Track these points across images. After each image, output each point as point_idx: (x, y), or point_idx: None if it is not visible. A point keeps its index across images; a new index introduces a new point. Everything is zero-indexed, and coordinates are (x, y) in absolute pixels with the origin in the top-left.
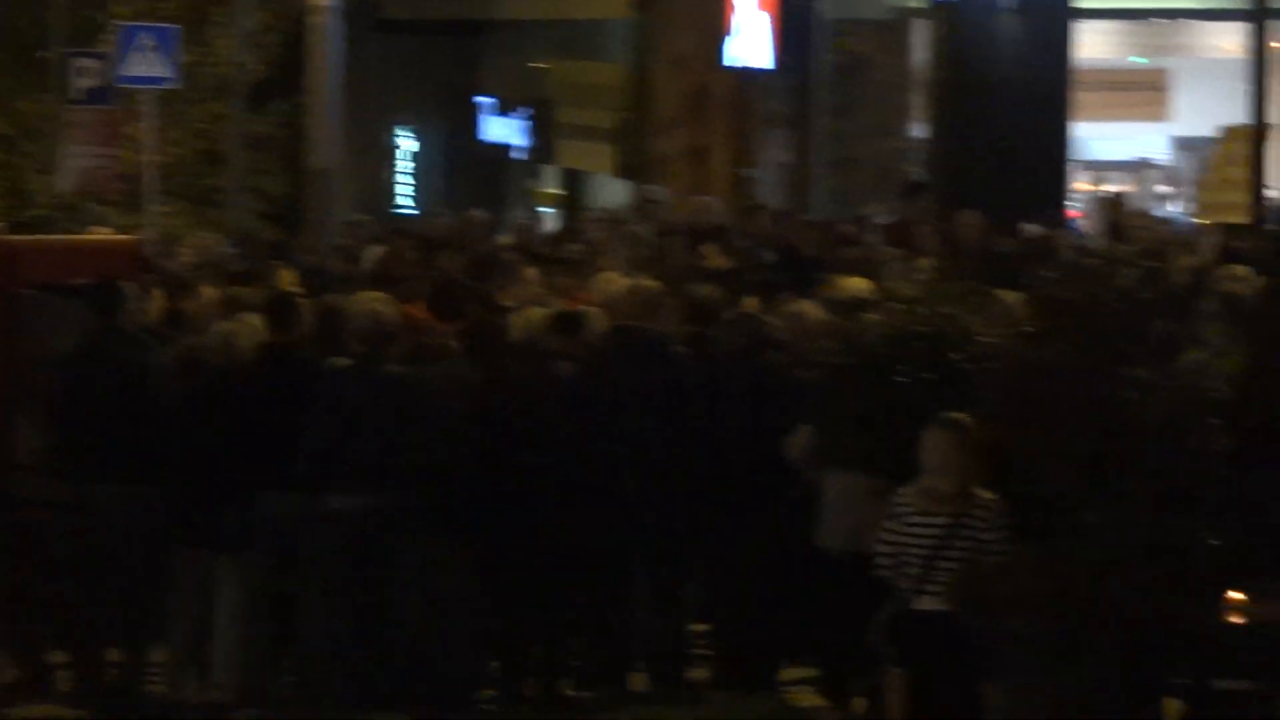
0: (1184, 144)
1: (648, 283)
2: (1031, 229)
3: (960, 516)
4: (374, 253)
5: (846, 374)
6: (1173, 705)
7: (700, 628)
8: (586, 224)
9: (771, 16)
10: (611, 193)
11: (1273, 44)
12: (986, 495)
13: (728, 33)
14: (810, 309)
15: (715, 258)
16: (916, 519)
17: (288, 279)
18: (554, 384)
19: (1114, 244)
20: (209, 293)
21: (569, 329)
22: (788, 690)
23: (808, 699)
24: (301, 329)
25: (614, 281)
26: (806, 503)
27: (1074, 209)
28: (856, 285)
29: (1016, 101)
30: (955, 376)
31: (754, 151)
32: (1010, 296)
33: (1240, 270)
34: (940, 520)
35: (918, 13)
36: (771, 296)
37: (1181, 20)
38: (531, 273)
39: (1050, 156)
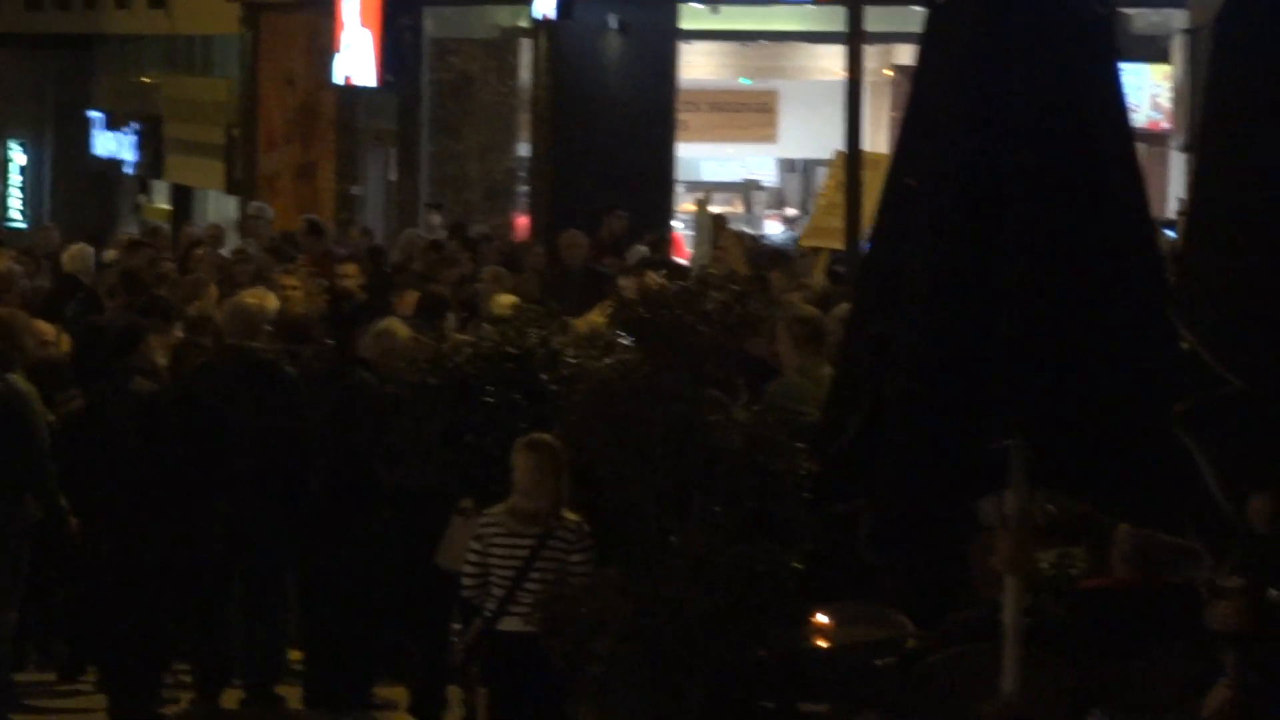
0: (791, 166)
1: (250, 299)
2: (637, 249)
3: (546, 538)
4: None
5: (434, 393)
6: None
7: (295, 648)
8: (186, 240)
9: (373, 34)
10: (220, 208)
11: (885, 70)
12: (572, 517)
13: (337, 50)
14: (398, 327)
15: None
16: (502, 539)
17: None
18: (140, 399)
19: (714, 265)
20: None
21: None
22: (379, 710)
23: (398, 718)
24: None
25: (214, 299)
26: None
27: (680, 230)
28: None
29: (623, 121)
30: (543, 397)
31: (361, 169)
32: (602, 317)
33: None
34: (526, 541)
35: (524, 32)
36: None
37: (790, 42)
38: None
39: (656, 176)
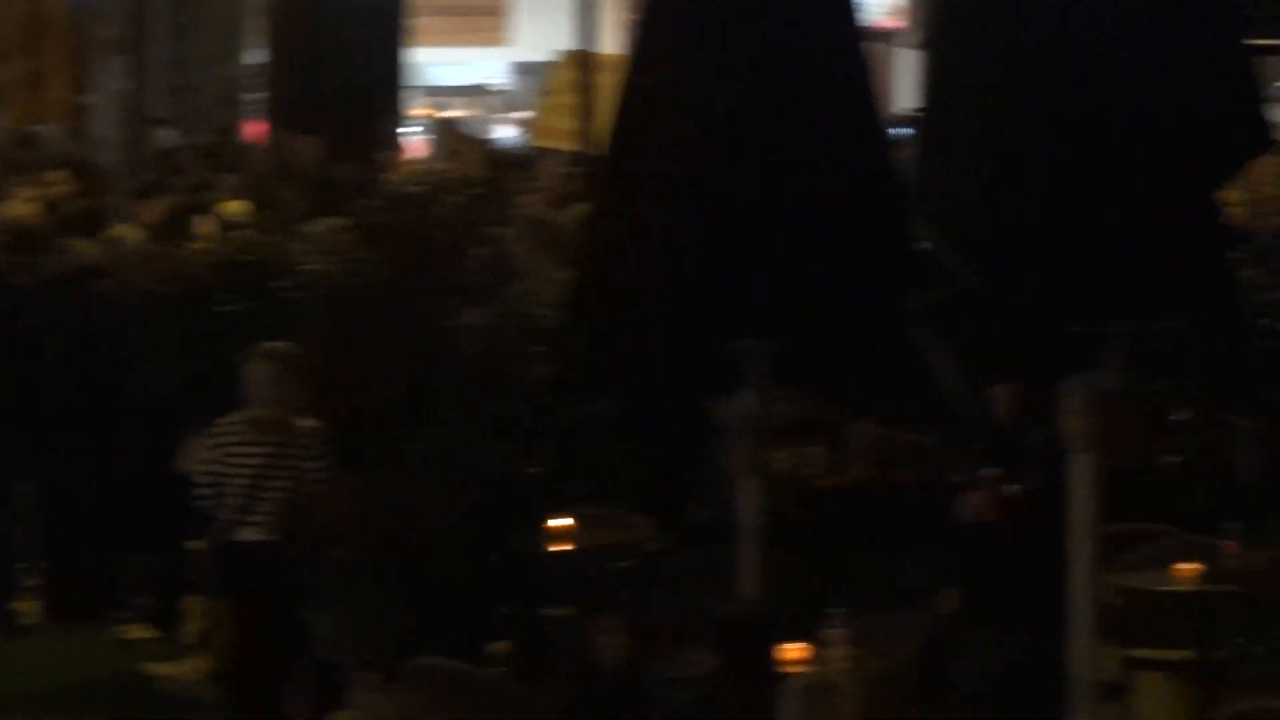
0: (524, 69)
1: None
2: (371, 157)
3: (282, 445)
4: None
5: (169, 301)
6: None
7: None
8: None
9: None
10: None
11: None
12: (309, 424)
13: None
14: (130, 234)
15: (63, 184)
16: (238, 448)
17: None
18: None
19: (447, 170)
20: None
21: None
22: (119, 624)
23: (137, 631)
24: None
25: None
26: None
27: (413, 135)
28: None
29: (352, 26)
30: (278, 304)
31: (91, 77)
32: (337, 223)
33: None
34: (262, 449)
35: None
36: None
37: None
38: None
39: (388, 82)
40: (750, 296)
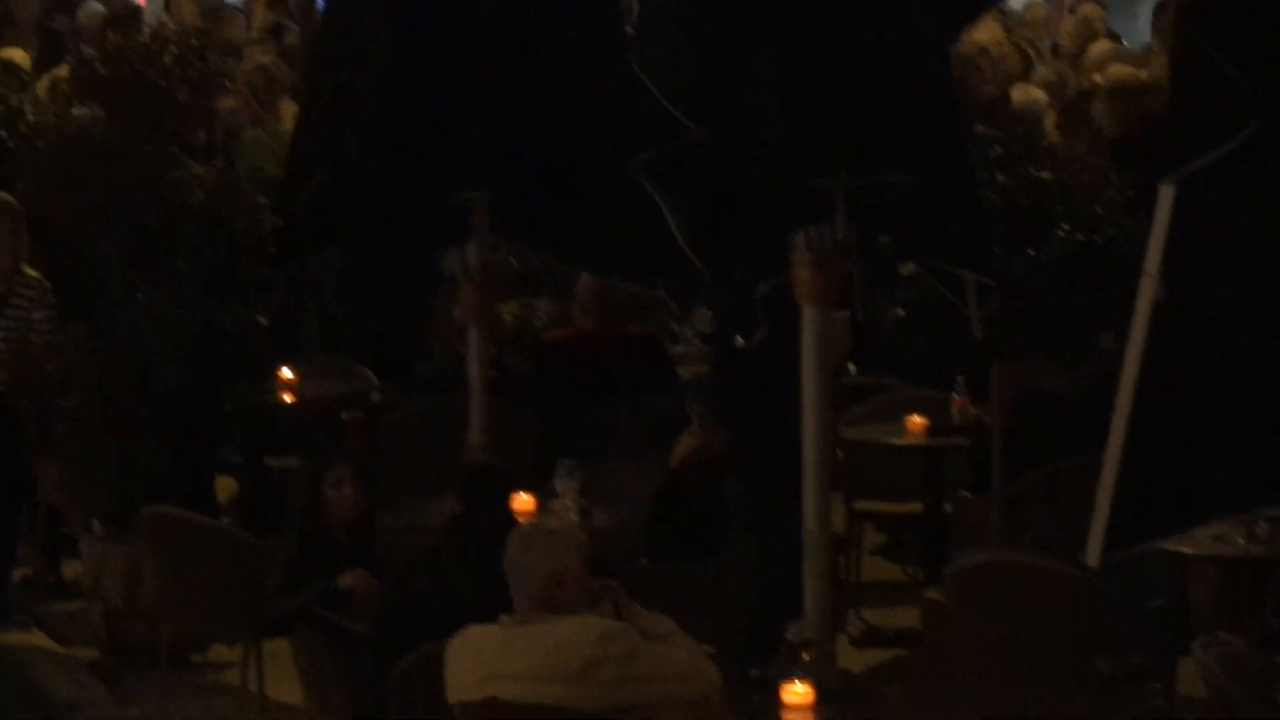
0: None
1: None
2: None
3: (7, 296)
4: None
5: None
6: (225, 482)
7: None
8: None
9: None
10: None
11: None
12: (33, 274)
13: None
14: None
15: None
16: None
17: None
18: None
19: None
20: None
21: None
22: None
23: None
24: None
25: None
26: None
27: None
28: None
29: None
30: (2, 156)
31: None
32: (59, 74)
33: None
34: None
35: None
36: None
37: None
38: None
39: None
40: (475, 149)
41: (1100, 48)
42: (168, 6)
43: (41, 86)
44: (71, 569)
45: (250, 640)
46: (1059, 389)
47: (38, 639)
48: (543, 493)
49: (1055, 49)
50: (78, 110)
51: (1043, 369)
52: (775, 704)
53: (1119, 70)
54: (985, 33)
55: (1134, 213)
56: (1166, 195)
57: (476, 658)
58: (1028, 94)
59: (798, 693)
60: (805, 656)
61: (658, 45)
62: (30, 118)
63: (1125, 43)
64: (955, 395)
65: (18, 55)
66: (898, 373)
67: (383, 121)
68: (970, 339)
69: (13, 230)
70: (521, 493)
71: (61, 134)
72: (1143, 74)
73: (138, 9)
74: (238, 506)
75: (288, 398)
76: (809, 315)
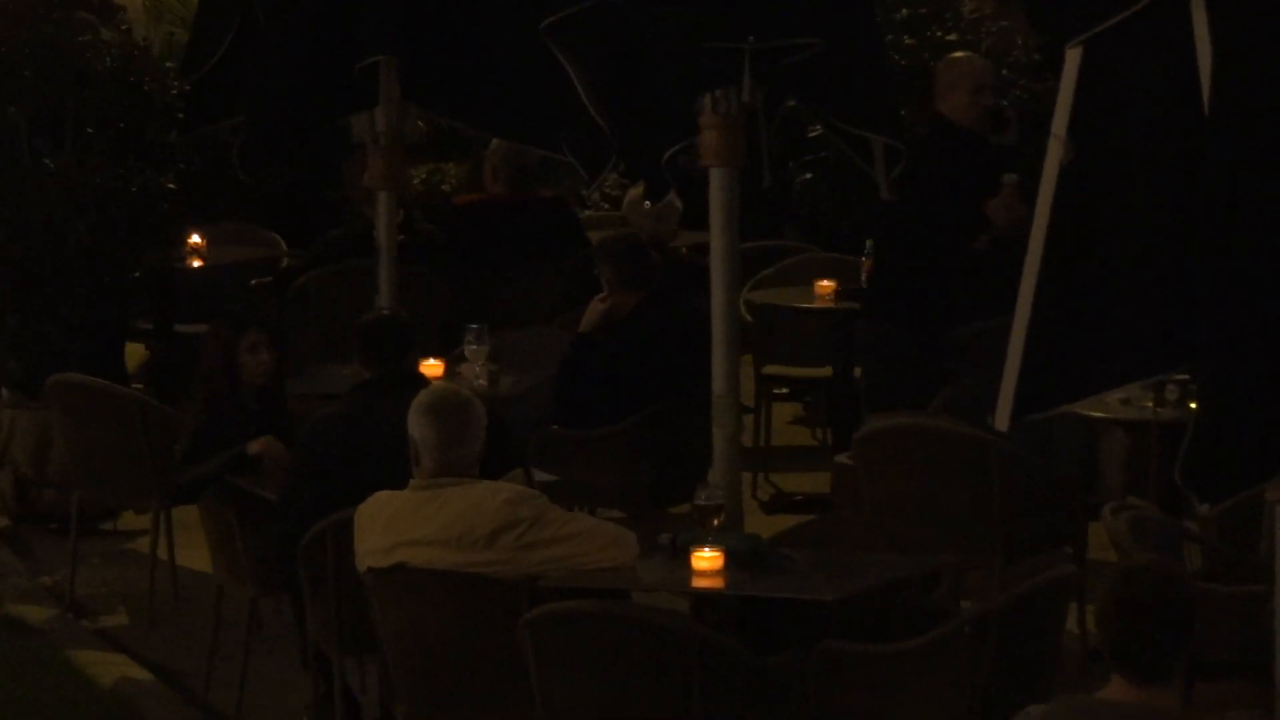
0: None
1: None
2: None
3: None
4: None
5: None
6: (135, 349)
7: None
8: None
9: None
10: None
11: None
12: None
13: None
14: None
15: None
16: None
17: None
18: None
19: None
20: None
21: None
22: None
23: None
24: None
25: None
26: None
27: None
28: None
29: None
30: None
31: None
32: None
33: None
34: None
35: None
36: None
37: None
38: None
39: None
40: (384, 12)
41: None
42: None
43: None
44: None
45: (160, 507)
46: None
47: None
48: (451, 357)
49: None
50: None
51: None
52: (685, 569)
53: None
54: None
55: (1040, 76)
56: (1073, 58)
57: (386, 524)
58: None
59: (706, 557)
60: (714, 521)
61: None
62: None
63: None
64: (864, 259)
65: None
66: (805, 236)
67: None
68: (879, 201)
69: None
70: (430, 358)
71: None
72: None
73: None
74: (147, 373)
75: (197, 262)
76: (716, 178)
